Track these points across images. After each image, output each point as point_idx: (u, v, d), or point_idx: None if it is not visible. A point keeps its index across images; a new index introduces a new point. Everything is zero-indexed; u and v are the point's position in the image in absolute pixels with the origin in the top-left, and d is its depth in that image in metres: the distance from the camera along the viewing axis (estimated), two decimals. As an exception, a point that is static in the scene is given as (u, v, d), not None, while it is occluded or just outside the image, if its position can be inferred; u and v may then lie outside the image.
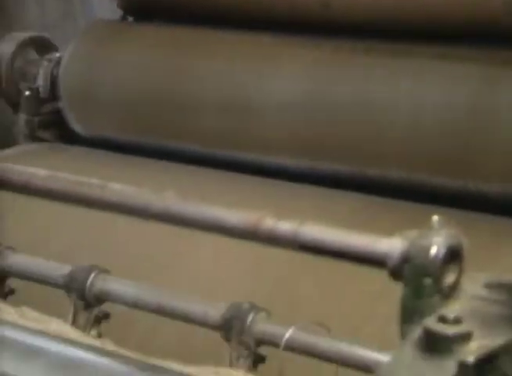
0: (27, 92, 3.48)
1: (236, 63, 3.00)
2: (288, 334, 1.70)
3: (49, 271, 2.04)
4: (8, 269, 2.07)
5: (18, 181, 1.83)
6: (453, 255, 1.22)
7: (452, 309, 1.17)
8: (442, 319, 1.11)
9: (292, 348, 1.70)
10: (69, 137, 3.46)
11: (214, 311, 1.79)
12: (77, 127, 3.39)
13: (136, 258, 2.35)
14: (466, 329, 1.11)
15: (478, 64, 2.57)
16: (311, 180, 2.69)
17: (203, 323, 1.82)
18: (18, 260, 2.08)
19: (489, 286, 1.25)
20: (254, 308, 1.76)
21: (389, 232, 1.31)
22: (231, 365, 1.74)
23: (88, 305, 1.95)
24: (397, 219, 2.24)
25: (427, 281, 1.21)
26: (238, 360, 1.74)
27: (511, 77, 2.49)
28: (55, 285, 2.00)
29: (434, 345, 1.09)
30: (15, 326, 1.79)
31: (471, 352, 1.07)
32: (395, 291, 1.25)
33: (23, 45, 3.51)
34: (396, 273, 1.28)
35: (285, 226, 1.44)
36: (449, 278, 1.22)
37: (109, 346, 1.76)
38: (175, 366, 1.64)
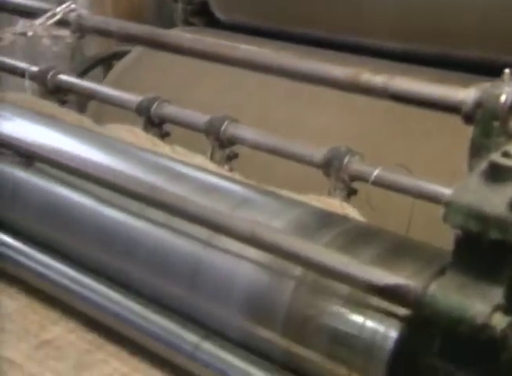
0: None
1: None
2: (376, 172, 1.67)
3: (194, 118, 2.04)
4: (163, 117, 2.08)
5: (171, 43, 1.84)
6: (520, 103, 1.19)
7: (514, 147, 1.13)
8: (506, 155, 1.06)
9: (378, 183, 1.68)
10: (214, 23, 3.42)
11: (319, 153, 1.78)
12: (220, 14, 3.35)
13: (261, 110, 2.32)
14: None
15: None
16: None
17: (309, 162, 1.80)
18: (171, 110, 2.09)
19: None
20: (350, 151, 1.74)
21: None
22: (329, 195, 1.74)
23: (222, 146, 1.96)
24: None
25: (496, 124, 1.18)
26: (335, 192, 1.74)
27: None
28: (198, 130, 2.01)
29: (497, 175, 1.06)
30: (169, 157, 1.83)
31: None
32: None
33: None
34: (469, 117, 1.24)
35: (378, 79, 1.41)
36: (514, 122, 1.19)
37: (238, 177, 1.77)
38: (287, 193, 1.64)
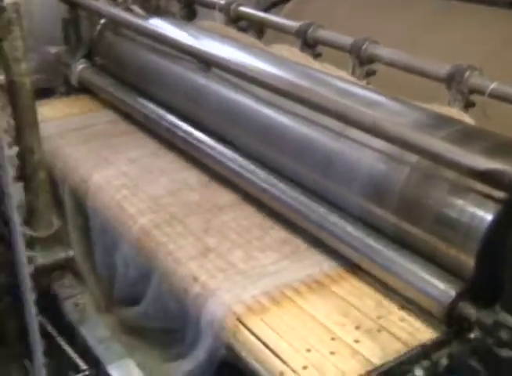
0: None
1: None
2: (492, 85, 1.51)
3: (341, 40, 1.92)
4: (317, 39, 1.98)
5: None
6: None
7: None
8: None
9: (494, 95, 1.51)
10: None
11: (443, 69, 1.63)
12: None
13: (398, 34, 2.16)
14: None
15: None
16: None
17: (435, 77, 1.65)
18: (323, 33, 1.97)
19: None
20: (471, 67, 1.57)
21: None
22: (449, 105, 1.59)
23: (362, 63, 1.86)
24: None
25: None
26: (454, 103, 1.59)
27: None
28: (344, 50, 1.90)
29: None
30: (317, 69, 1.76)
31: None
32: None
33: None
34: None
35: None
36: None
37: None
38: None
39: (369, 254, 1.30)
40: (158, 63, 2.01)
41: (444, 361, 1.12)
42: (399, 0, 2.52)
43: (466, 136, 1.29)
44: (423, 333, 1.17)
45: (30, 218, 1.42)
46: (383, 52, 1.82)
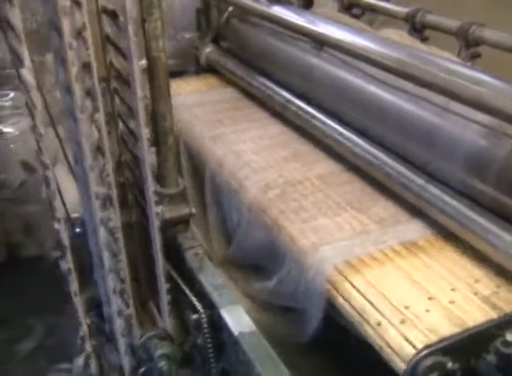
0: None
1: None
2: None
3: (448, 24, 1.81)
4: (425, 23, 1.88)
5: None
6: None
7: None
8: None
9: None
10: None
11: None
12: None
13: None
14: None
15: None
16: None
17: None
18: (431, 17, 1.87)
19: None
20: None
21: None
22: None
23: (468, 46, 1.73)
24: None
25: None
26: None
27: None
28: (450, 33, 1.78)
29: None
30: (423, 51, 1.65)
31: None
32: None
33: None
34: None
35: None
36: None
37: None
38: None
39: (467, 223, 1.22)
40: (276, 46, 1.99)
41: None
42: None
43: None
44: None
45: (160, 178, 1.46)
46: (489, 34, 1.68)
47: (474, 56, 1.74)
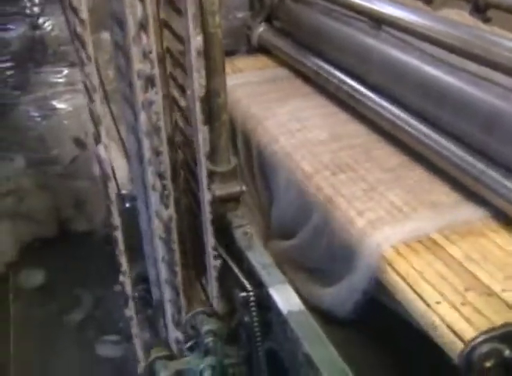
0: None
1: None
2: None
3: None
4: (488, 3, 1.82)
5: None
6: None
7: None
8: None
9: None
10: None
11: None
12: None
13: None
14: None
15: None
16: None
17: None
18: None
19: None
20: None
21: None
22: None
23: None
24: None
25: None
26: None
27: None
28: None
29: None
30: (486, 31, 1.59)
31: None
32: None
33: None
34: None
35: None
36: None
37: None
38: None
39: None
40: (331, 25, 1.96)
41: None
42: None
43: None
44: None
45: (212, 155, 1.46)
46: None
47: None
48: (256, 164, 1.74)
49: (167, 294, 1.42)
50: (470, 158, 1.34)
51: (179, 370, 1.41)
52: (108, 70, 2.01)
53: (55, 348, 2.13)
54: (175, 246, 1.37)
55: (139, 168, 1.31)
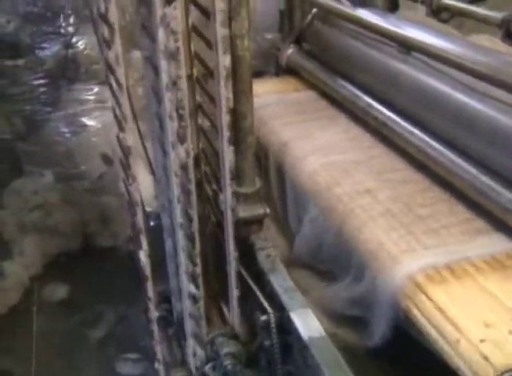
0: None
1: None
2: None
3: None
4: None
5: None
6: None
7: None
8: None
9: None
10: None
11: None
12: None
13: None
14: None
15: None
16: None
17: None
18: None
19: None
20: None
21: None
22: None
23: None
24: None
25: None
26: None
27: None
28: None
29: None
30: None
31: None
32: None
33: None
34: None
35: None
36: None
37: None
38: None
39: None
40: (360, 49, 1.96)
41: None
42: None
43: None
44: None
45: (237, 177, 1.47)
46: None
47: None
48: (287, 186, 1.74)
49: (190, 308, 1.41)
50: (499, 188, 1.32)
51: (198, 392, 1.41)
52: (137, 87, 2.05)
53: (76, 363, 2.14)
54: (198, 260, 1.37)
55: (165, 180, 1.32)
